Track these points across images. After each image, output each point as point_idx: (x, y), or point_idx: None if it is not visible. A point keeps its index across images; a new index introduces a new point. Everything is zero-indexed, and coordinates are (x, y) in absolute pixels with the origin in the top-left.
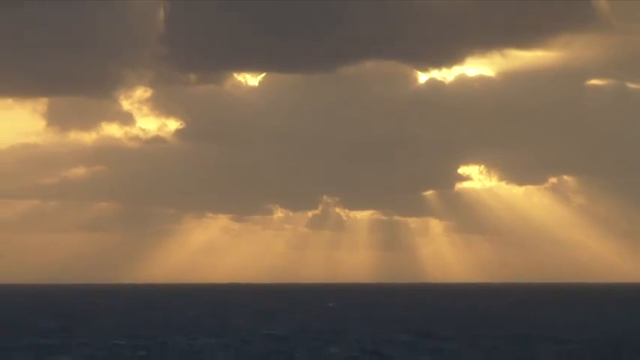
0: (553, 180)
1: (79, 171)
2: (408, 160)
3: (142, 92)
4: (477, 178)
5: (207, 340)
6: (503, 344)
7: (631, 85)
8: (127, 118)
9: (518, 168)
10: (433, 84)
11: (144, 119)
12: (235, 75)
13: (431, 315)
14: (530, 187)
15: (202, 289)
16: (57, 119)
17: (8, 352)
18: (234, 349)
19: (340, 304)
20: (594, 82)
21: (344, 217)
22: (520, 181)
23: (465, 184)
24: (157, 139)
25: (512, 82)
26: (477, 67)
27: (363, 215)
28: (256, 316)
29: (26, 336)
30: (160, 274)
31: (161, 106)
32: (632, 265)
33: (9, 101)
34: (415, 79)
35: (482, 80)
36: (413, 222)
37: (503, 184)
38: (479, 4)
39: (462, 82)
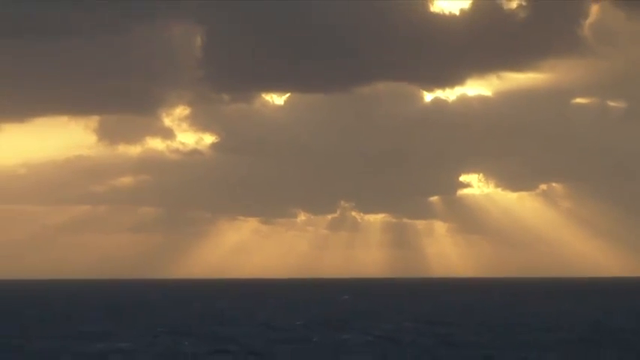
0: (543, 187)
1: (126, 180)
2: (415, 169)
3: (181, 110)
4: (476, 185)
5: (237, 328)
6: (502, 330)
7: (611, 103)
8: (168, 133)
9: (512, 176)
10: (437, 102)
11: (183, 134)
12: (263, 95)
13: (435, 305)
14: (523, 193)
15: (234, 283)
16: (106, 134)
17: (66, 339)
18: (259, 336)
19: (354, 296)
20: (579, 100)
21: (359, 220)
22: (514, 187)
23: (465, 191)
24: (194, 152)
25: (507, 100)
26: (476, 88)
27: (376, 218)
28: (281, 306)
29: (83, 324)
30: (197, 271)
31: (198, 122)
32: (612, 261)
33: (65, 118)
34: (421, 98)
35: (481, 99)
36: (420, 224)
37: (499, 190)
38: (478, 33)
39: (463, 101)
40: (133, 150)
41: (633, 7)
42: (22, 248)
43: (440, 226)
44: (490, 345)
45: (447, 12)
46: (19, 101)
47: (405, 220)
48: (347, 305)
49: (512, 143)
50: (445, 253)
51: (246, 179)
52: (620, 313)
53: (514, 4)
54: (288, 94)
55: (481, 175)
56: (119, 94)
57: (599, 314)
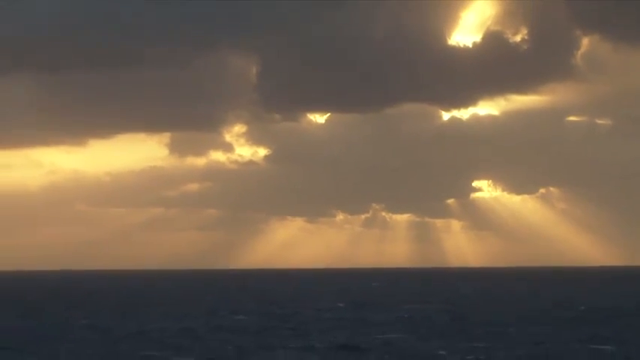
0: (542, 190)
1: (193, 186)
2: (434, 177)
3: (239, 128)
4: (486, 190)
5: (290, 309)
6: (511, 310)
7: (599, 121)
8: (228, 147)
9: (516, 182)
10: (453, 120)
11: (241, 148)
12: (308, 115)
13: (451, 290)
14: (525, 196)
15: (284, 274)
16: (176, 148)
17: (148, 314)
18: (310, 315)
19: (384, 283)
20: (572, 118)
21: (388, 219)
22: (518, 191)
23: (477, 194)
24: (250, 163)
25: (512, 118)
26: (486, 108)
27: (402, 217)
28: (325, 292)
29: (161, 305)
30: (252, 262)
31: (253, 138)
32: (600, 252)
33: (142, 135)
34: (440, 117)
35: (490, 118)
36: (439, 222)
37: (505, 194)
38: (487, 62)
39: (475, 119)
40: (199, 161)
41: (618, 40)
42: (105, 244)
43: (455, 224)
44: (501, 322)
45: (461, 45)
46: (105, 121)
47: (427, 219)
48: (377, 290)
49: (516, 154)
50: (460, 246)
51: (294, 185)
52: (608, 295)
53: (518, 38)
54: (328, 114)
55: (490, 181)
56: (187, 114)
57: (593, 296)
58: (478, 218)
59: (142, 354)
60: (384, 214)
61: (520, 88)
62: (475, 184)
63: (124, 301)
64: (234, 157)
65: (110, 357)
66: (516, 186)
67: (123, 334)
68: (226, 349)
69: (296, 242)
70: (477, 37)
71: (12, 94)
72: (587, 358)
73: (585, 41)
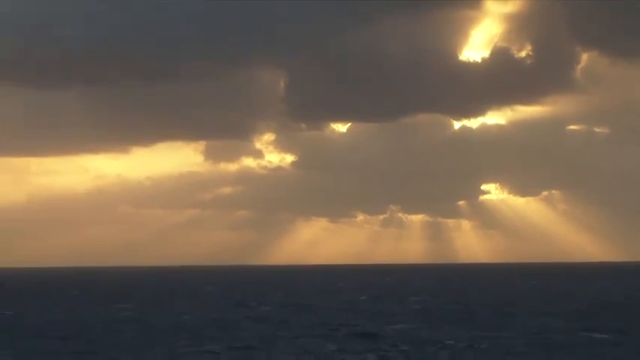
0: (545, 193)
1: (226, 190)
2: (446, 180)
3: (268, 136)
4: (494, 192)
5: (315, 302)
6: (517, 300)
7: (597, 129)
8: (258, 154)
9: (521, 185)
10: (464, 129)
11: (270, 154)
12: (331, 124)
13: (460, 283)
14: (529, 198)
15: (308, 269)
16: (211, 155)
17: (183, 306)
18: (326, 308)
19: (398, 278)
20: (572, 127)
21: (404, 219)
22: (522, 194)
23: (485, 197)
24: (278, 168)
25: (518, 127)
26: (494, 118)
27: (417, 217)
28: (347, 286)
29: (195, 298)
30: (280, 259)
31: (281, 145)
32: (599, 250)
33: (180, 143)
34: (452, 126)
35: (498, 127)
36: (450, 222)
37: (511, 196)
38: (495, 76)
39: (484, 128)
40: (232, 167)
41: (615, 55)
42: (146, 242)
43: (466, 224)
44: (507, 314)
45: (471, 60)
46: (146, 130)
47: (439, 219)
48: (393, 284)
49: (521, 160)
50: (470, 244)
51: (318, 189)
52: (606, 288)
53: (523, 54)
54: (349, 124)
55: (497, 184)
56: (221, 124)
57: (592, 289)
58: (486, 218)
59: (178, 343)
60: (400, 214)
61: (525, 99)
62: (483, 187)
63: (163, 295)
64: (263, 163)
65: (148, 346)
66: (521, 189)
67: (161, 325)
68: (253, 338)
69: (320, 241)
70: (486, 53)
71: (63, 106)
72: (586, 346)
73: (584, 56)
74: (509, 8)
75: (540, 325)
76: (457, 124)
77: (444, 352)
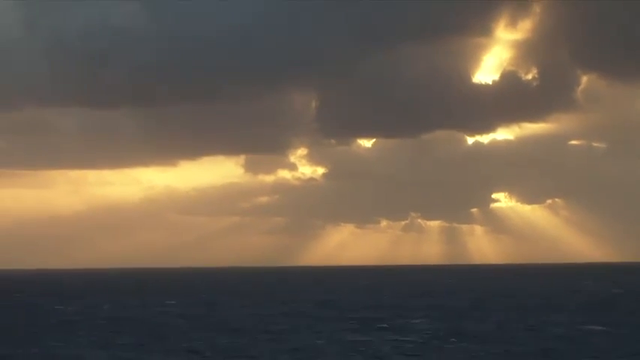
0: (549, 201)
1: (264, 199)
2: (460, 190)
3: (302, 151)
4: (503, 201)
5: (336, 297)
6: (527, 297)
7: (595, 144)
8: (292, 167)
9: (528, 194)
10: (476, 144)
11: (303, 167)
12: (358, 140)
13: (473, 281)
14: (535, 206)
15: (337, 270)
16: (250, 168)
17: (225, 303)
18: (351, 303)
19: (416, 279)
20: (573, 142)
21: (423, 225)
22: (529, 202)
23: (496, 204)
24: (311, 180)
25: (525, 142)
26: (503, 134)
27: (435, 223)
28: (374, 284)
29: (235, 295)
30: (312, 260)
31: (313, 159)
32: (597, 251)
33: (222, 157)
34: (465, 141)
35: (507, 142)
36: (464, 227)
37: (518, 204)
38: (504, 96)
39: (494, 143)
40: (269, 178)
41: (611, 78)
42: (191, 246)
43: (478, 229)
44: (520, 307)
45: (483, 82)
46: (192, 146)
47: (455, 224)
48: (415, 283)
49: (528, 171)
50: (482, 247)
51: (346, 198)
52: (604, 286)
53: (529, 77)
54: (374, 139)
55: (506, 193)
56: (259, 140)
57: (591, 287)
58: (496, 224)
59: (220, 336)
60: (419, 220)
61: (531, 117)
62: (494, 196)
63: (209, 293)
64: (297, 174)
65: (197, 339)
66: (528, 197)
67: (206, 321)
68: (284, 329)
69: (347, 244)
70: (496, 76)
71: (118, 124)
72: (585, 338)
73: (584, 79)
74: (516, 36)
75: (546, 320)
76: (470, 140)
77: (454, 345)
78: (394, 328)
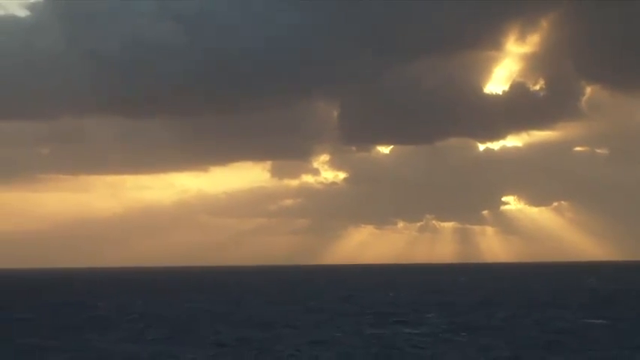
0: (555, 204)
1: (289, 202)
2: (473, 193)
3: (324, 157)
4: (512, 203)
5: (356, 294)
6: (536, 294)
7: (598, 151)
8: (316, 172)
9: (535, 197)
10: (488, 151)
11: (325, 172)
12: (377, 147)
13: (485, 279)
14: (542, 208)
15: (356, 268)
16: (276, 173)
17: (251, 301)
18: (371, 300)
19: (430, 277)
20: (577, 148)
21: (437, 226)
22: (537, 204)
23: (506, 207)
24: (332, 184)
25: (533, 149)
26: (513, 141)
27: (448, 225)
28: (388, 281)
29: (261, 292)
30: (334, 259)
31: (335, 165)
32: (601, 251)
33: (250, 163)
34: (477, 148)
35: (516, 148)
36: (477, 228)
37: (527, 206)
38: (514, 105)
39: (504, 150)
40: (293, 183)
41: (614, 88)
42: (221, 246)
43: (489, 230)
44: (527, 302)
45: (494, 92)
46: (222, 153)
47: (467, 225)
48: (429, 281)
49: (535, 176)
50: (492, 246)
51: (366, 201)
52: (606, 283)
53: (537, 87)
54: (392, 146)
55: (515, 196)
56: (284, 147)
57: (596, 283)
58: (506, 225)
59: (246, 330)
60: (434, 222)
61: (538, 125)
62: (504, 199)
63: (237, 290)
64: (320, 179)
65: (223, 333)
66: (535, 200)
67: (233, 317)
68: (306, 323)
69: (367, 244)
70: (506, 87)
71: (154, 132)
72: (587, 331)
73: (588, 89)
74: (525, 50)
75: (553, 315)
76: (482, 147)
77: (464, 339)
78: (409, 322)
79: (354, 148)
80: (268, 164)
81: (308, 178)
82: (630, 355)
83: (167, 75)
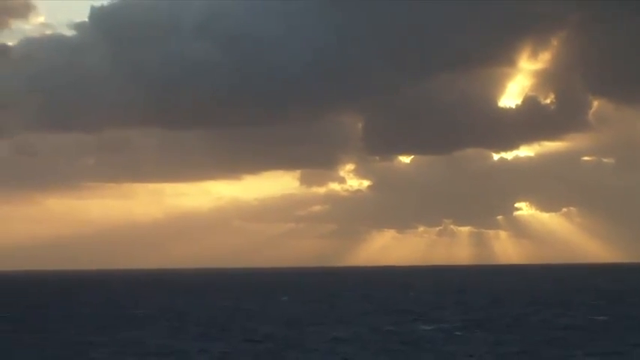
0: (565, 209)
1: (317, 208)
2: (488, 200)
3: (350, 166)
4: (525, 209)
5: (378, 293)
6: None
7: (605, 160)
8: (342, 180)
9: (546, 203)
10: (502, 160)
11: (351, 180)
12: (399, 156)
13: (497, 277)
14: (552, 214)
15: (379, 269)
16: (305, 181)
17: (278, 299)
18: (394, 298)
19: (447, 276)
20: (585, 158)
21: (455, 230)
22: (547, 210)
23: (518, 212)
24: (357, 191)
25: (544, 158)
26: (525, 151)
27: (465, 229)
28: (412, 282)
29: (287, 290)
30: (359, 261)
31: (360, 173)
32: (607, 253)
33: (281, 172)
34: (492, 158)
35: (528, 158)
36: (491, 232)
37: (538, 212)
38: (526, 118)
39: (517, 159)
40: (321, 190)
41: (618, 102)
42: (254, 249)
43: (503, 234)
44: (537, 301)
45: (507, 106)
46: (255, 162)
47: (482, 230)
48: (445, 280)
49: (546, 184)
50: (506, 249)
51: (388, 207)
52: (612, 283)
53: (548, 101)
54: (413, 156)
55: (528, 203)
56: (313, 157)
57: (602, 283)
58: (519, 229)
59: (274, 327)
60: (452, 226)
61: (549, 136)
62: (517, 205)
63: (267, 290)
64: (346, 187)
65: (252, 330)
66: (546, 206)
67: (263, 314)
68: (331, 320)
69: (389, 247)
70: (519, 101)
71: (191, 143)
72: (592, 328)
73: (595, 103)
74: (537, 66)
75: (557, 312)
76: (496, 156)
77: (477, 335)
78: (427, 319)
79: (377, 158)
80: (298, 173)
81: (334, 186)
82: (631, 351)
83: (204, 90)
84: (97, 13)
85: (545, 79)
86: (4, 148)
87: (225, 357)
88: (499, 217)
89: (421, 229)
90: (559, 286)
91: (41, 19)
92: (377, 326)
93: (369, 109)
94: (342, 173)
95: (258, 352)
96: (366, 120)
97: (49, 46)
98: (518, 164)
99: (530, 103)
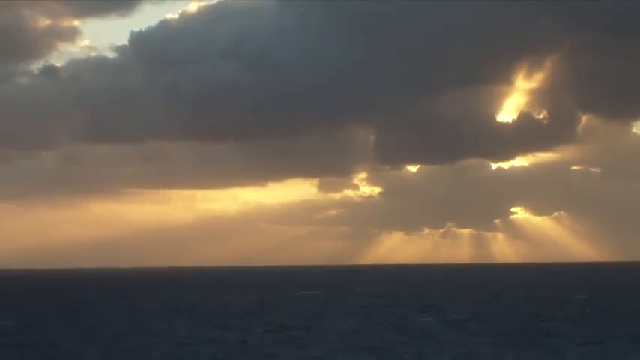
0: (556, 214)
1: (332, 212)
2: (487, 205)
3: (363, 175)
4: (519, 213)
5: (387, 289)
6: (544, 291)
7: (592, 169)
8: (355, 187)
9: (538, 208)
10: (499, 170)
11: (364, 187)
12: (407, 166)
13: (494, 275)
14: (545, 217)
15: (389, 268)
16: (323, 188)
17: (295, 294)
18: (400, 294)
19: (449, 274)
20: (575, 167)
21: (457, 232)
22: (540, 214)
23: (514, 216)
24: (370, 197)
25: (537, 168)
26: (520, 161)
27: (466, 231)
28: (420, 280)
29: (306, 285)
30: (370, 260)
31: (372, 181)
32: (592, 253)
33: (301, 180)
34: (490, 167)
35: (522, 168)
36: (489, 234)
37: (531, 216)
38: (521, 132)
39: (512, 168)
40: (337, 196)
41: (604, 117)
42: (277, 248)
43: (500, 235)
44: (530, 296)
45: (504, 121)
46: (278, 171)
47: (482, 232)
48: (446, 277)
49: (539, 190)
50: (503, 249)
51: (397, 211)
52: (598, 280)
53: (541, 116)
54: (419, 165)
55: (522, 207)
56: (329, 166)
57: (589, 280)
58: (515, 231)
59: (294, 319)
60: (454, 229)
61: (542, 148)
62: (513, 209)
63: (288, 286)
64: (359, 193)
65: (271, 323)
66: (539, 211)
67: (284, 308)
68: (345, 312)
69: (398, 247)
70: (514, 116)
71: (221, 154)
72: (581, 320)
73: (584, 118)
74: (531, 85)
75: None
76: (494, 166)
77: (477, 326)
78: (432, 312)
79: (387, 167)
80: (316, 180)
81: (349, 192)
82: (614, 341)
83: (233, 106)
84: (136, 37)
85: (538, 97)
86: (52, 159)
87: (246, 345)
88: (497, 221)
89: (426, 231)
90: (551, 282)
91: (86, 42)
92: (385, 319)
93: (380, 124)
94: (355, 181)
95: (278, 340)
96: (377, 133)
97: (93, 67)
98: (514, 173)
99: (525, 118)
